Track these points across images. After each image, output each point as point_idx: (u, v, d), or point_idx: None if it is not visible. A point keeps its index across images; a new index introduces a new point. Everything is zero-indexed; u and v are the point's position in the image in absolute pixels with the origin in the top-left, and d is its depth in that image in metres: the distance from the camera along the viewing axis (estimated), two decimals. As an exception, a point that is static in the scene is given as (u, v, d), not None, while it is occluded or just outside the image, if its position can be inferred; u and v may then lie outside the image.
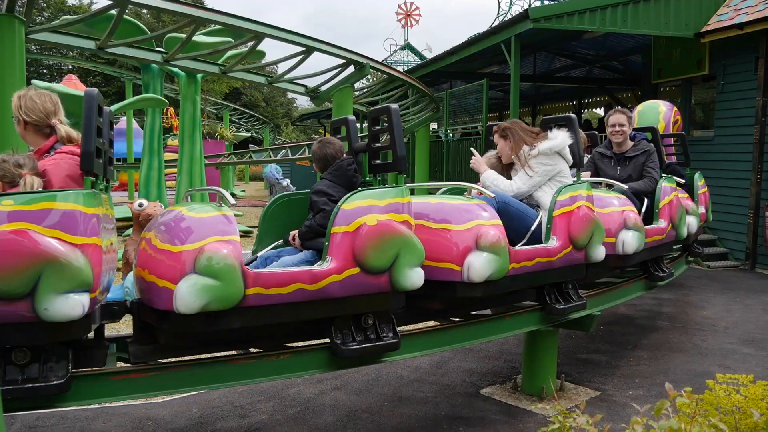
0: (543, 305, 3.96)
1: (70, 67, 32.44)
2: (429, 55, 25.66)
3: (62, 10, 31.87)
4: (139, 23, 10.18)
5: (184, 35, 8.00)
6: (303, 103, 50.73)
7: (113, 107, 10.77)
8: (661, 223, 4.93)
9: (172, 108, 23.29)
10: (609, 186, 4.77)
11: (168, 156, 15.80)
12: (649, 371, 4.76)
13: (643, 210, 4.83)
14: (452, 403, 4.20)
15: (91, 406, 3.99)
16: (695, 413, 1.79)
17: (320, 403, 4.20)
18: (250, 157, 19.14)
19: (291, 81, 9.88)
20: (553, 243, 3.74)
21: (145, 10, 30.47)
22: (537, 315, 3.99)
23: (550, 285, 3.95)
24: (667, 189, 4.99)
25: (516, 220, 3.77)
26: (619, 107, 5.44)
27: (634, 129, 5.67)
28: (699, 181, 6.30)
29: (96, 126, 2.59)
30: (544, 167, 3.94)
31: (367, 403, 4.21)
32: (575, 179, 4.09)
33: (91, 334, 2.91)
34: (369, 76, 10.76)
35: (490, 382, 4.59)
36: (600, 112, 18.37)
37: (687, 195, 5.90)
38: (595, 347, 5.41)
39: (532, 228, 3.77)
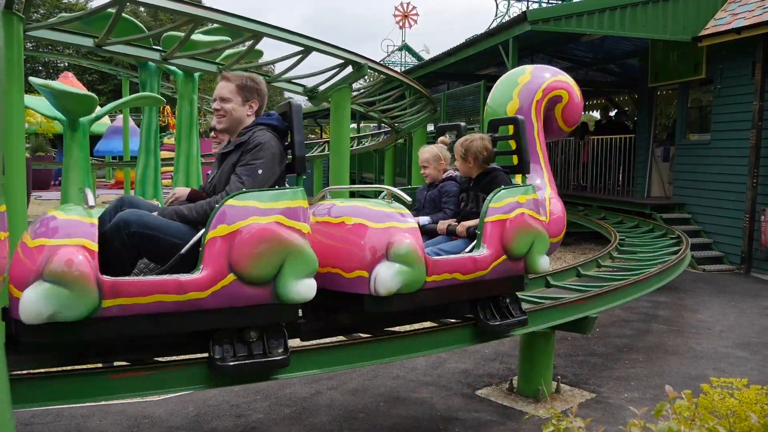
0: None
1: (66, 64, 32.36)
2: (426, 57, 25.70)
3: (58, 7, 31.78)
4: (136, 21, 10.16)
5: (182, 34, 7.98)
6: (299, 102, 50.70)
7: (110, 105, 10.78)
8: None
9: (168, 106, 23.25)
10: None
11: (164, 154, 15.77)
12: (644, 374, 4.78)
13: (185, 249, 2.67)
14: (448, 404, 4.20)
15: (87, 404, 3.98)
16: (694, 416, 1.79)
17: (316, 402, 4.20)
18: (247, 156, 19.08)
19: (289, 81, 9.87)
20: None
21: (142, 9, 30.41)
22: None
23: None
24: (231, 213, 2.59)
25: None
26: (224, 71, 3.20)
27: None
28: (496, 202, 3.46)
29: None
30: None
31: (363, 403, 4.21)
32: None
33: None
34: (366, 77, 10.76)
35: (486, 383, 4.60)
36: (597, 115, 18.40)
37: (381, 221, 3.03)
38: (591, 349, 5.43)
39: None
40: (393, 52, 31.17)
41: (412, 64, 27.93)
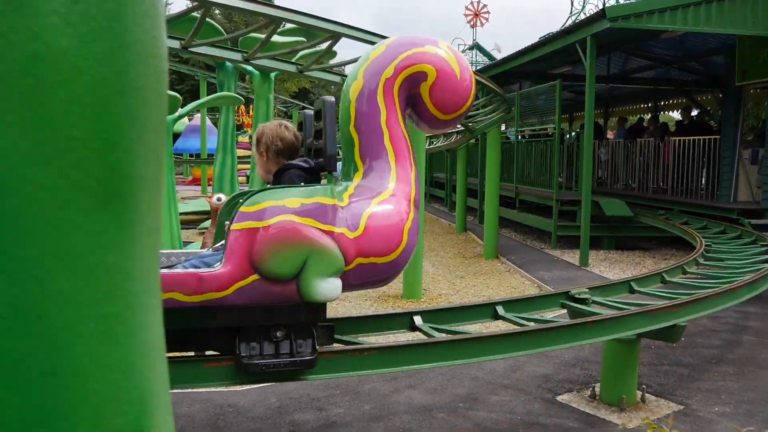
0: None
1: (147, 65, 33.87)
2: (497, 56, 25.36)
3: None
4: (215, 23, 10.54)
5: (259, 35, 8.20)
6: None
7: (192, 104, 11.23)
8: None
9: (243, 106, 24.01)
10: None
11: (240, 152, 16.29)
12: (736, 387, 4.55)
13: None
14: (528, 408, 4.13)
15: (175, 391, 4.16)
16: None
17: (395, 400, 4.22)
18: (317, 154, 19.42)
19: (363, 80, 9.96)
20: None
21: (217, 11, 31.43)
22: None
23: None
24: None
25: None
26: None
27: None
28: (249, 205, 2.69)
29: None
30: None
31: (442, 402, 4.20)
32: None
33: None
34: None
35: (567, 389, 4.49)
36: (677, 115, 17.66)
37: None
38: (677, 359, 5.21)
39: None
40: (464, 51, 30.95)
41: (483, 63, 27.65)
